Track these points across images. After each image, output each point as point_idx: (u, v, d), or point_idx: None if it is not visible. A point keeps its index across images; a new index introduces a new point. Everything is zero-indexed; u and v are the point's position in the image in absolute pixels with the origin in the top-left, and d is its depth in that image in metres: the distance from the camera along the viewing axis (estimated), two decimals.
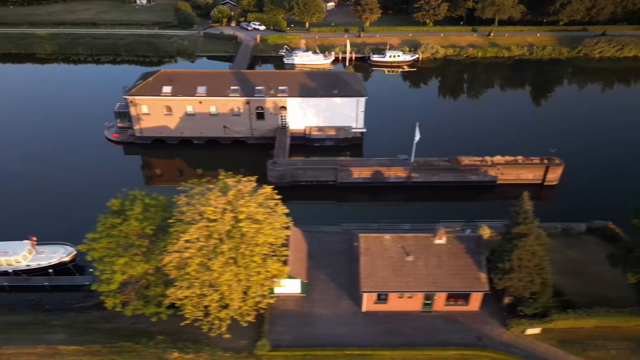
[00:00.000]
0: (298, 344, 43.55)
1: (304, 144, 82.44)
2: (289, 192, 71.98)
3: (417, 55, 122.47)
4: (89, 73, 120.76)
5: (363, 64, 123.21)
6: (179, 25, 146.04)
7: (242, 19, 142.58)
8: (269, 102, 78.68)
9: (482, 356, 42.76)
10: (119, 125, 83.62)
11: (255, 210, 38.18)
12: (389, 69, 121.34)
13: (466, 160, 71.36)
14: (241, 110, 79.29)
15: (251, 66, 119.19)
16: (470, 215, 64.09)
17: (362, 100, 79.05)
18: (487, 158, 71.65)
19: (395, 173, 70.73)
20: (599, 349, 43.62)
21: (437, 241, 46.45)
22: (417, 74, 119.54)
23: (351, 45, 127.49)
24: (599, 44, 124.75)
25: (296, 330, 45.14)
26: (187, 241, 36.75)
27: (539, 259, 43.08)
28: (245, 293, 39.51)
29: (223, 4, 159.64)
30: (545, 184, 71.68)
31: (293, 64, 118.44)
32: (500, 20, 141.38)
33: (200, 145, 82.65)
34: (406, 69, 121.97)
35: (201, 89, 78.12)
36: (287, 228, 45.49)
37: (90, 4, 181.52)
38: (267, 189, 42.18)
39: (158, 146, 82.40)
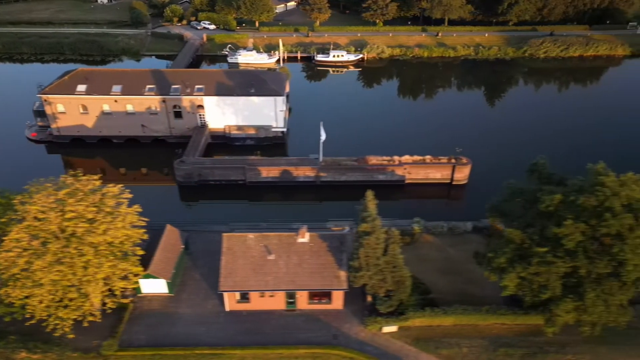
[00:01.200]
0: (152, 344, 43.45)
1: (225, 143, 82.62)
2: (198, 191, 73.26)
3: (361, 55, 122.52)
4: (30, 72, 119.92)
5: (309, 64, 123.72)
6: (132, 24, 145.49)
7: (193, 18, 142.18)
8: (186, 101, 78.48)
9: (332, 354, 42.83)
10: (39, 124, 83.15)
11: (84, 210, 37.95)
12: (333, 69, 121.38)
13: (374, 159, 71.51)
14: (158, 109, 79.03)
15: (195, 65, 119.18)
16: (379, 214, 64.66)
17: (280, 99, 79.06)
18: (396, 158, 71.86)
19: (304, 172, 70.76)
20: (452, 346, 43.84)
21: (300, 240, 46.50)
22: (360, 74, 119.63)
23: (299, 45, 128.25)
24: (544, 44, 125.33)
25: (154, 330, 44.99)
26: (15, 240, 36.55)
27: (391, 257, 43.23)
28: (84, 293, 39.34)
29: (180, 3, 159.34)
30: (454, 183, 72.02)
31: (237, 63, 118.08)
32: (453, 21, 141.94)
33: (120, 144, 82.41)
34: (352, 68, 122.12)
35: (116, 88, 77.82)
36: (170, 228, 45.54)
37: (50, 3, 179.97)
38: (114, 188, 42.00)
39: (77, 145, 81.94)
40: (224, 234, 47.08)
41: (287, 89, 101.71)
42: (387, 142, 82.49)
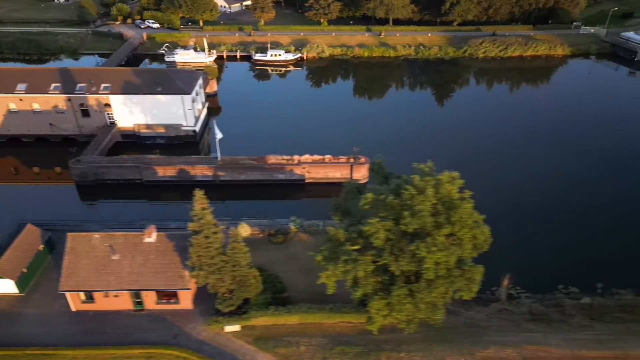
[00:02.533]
0: None
1: (136, 142, 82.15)
2: (95, 191, 72.63)
3: (299, 55, 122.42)
4: None
5: (248, 63, 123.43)
6: (80, 23, 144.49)
7: (138, 17, 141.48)
8: (92, 100, 77.86)
9: (166, 354, 42.50)
10: None
11: None
12: (272, 68, 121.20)
13: (273, 159, 71.36)
14: (64, 108, 78.41)
15: (131, 64, 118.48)
16: (278, 213, 64.29)
17: (188, 98, 78.62)
18: (295, 157, 71.70)
19: (202, 171, 70.42)
20: (291, 345, 43.66)
21: (147, 239, 46.16)
22: (298, 73, 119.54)
23: (241, 44, 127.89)
24: (483, 44, 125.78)
25: None
26: None
27: (230, 255, 43.01)
28: None
29: (132, 3, 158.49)
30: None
31: (174, 61, 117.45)
32: (401, 21, 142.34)
33: (30, 143, 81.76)
34: (292, 68, 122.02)
35: (21, 86, 77.09)
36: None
37: (5, 2, 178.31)
38: None
39: None
40: (68, 234, 46.49)
41: (215, 88, 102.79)
42: (307, 140, 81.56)
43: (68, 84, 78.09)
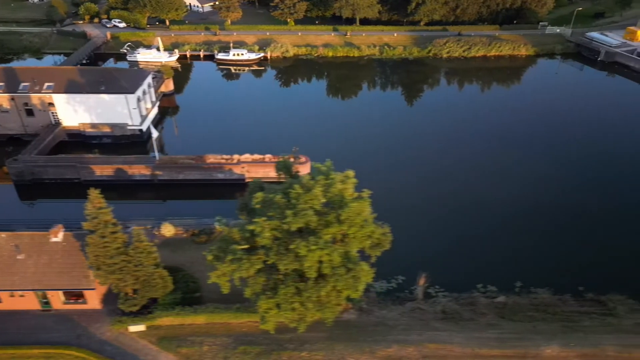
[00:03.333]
0: None
1: (82, 141, 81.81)
2: (34, 190, 72.24)
3: (262, 54, 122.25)
4: None
5: (212, 62, 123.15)
6: (49, 22, 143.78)
7: (105, 16, 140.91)
8: (35, 99, 77.45)
9: (65, 354, 42.26)
10: None
11: None
12: (235, 68, 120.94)
13: (212, 158, 71.19)
14: (8, 107, 77.98)
15: (93, 63, 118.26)
16: (217, 213, 63.74)
17: (132, 97, 78.28)
18: (235, 156, 71.56)
19: (139, 171, 70.15)
20: (194, 345, 43.54)
21: (53, 239, 45.92)
22: (260, 73, 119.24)
23: (206, 43, 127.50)
24: (447, 44, 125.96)
25: None
26: None
27: (133, 255, 42.81)
28: None
29: (102, 2, 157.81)
30: None
31: (136, 61, 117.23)
32: (369, 21, 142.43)
33: None
34: (255, 67, 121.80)
35: None
36: None
37: None
38: None
39: None
40: None
41: (171, 87, 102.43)
42: (259, 139, 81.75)
43: (12, 83, 77.62)
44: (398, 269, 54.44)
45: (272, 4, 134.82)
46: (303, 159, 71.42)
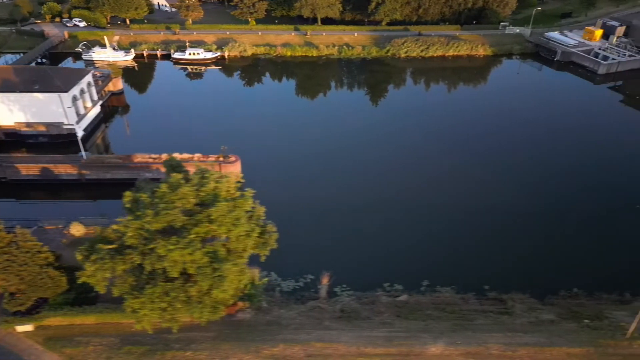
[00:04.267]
0: None
1: (18, 140, 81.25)
2: None
3: (218, 53, 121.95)
4: None
5: (169, 62, 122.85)
6: (13, 21, 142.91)
7: (67, 16, 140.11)
8: None
9: None
10: None
11: None
12: (192, 67, 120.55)
13: (139, 157, 70.94)
14: None
15: (50, 62, 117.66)
16: None
17: (66, 96, 77.82)
18: (163, 155, 71.09)
19: (66, 170, 69.89)
20: (80, 345, 43.30)
21: None
22: (215, 72, 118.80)
23: (164, 42, 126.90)
24: (405, 44, 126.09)
25: None
26: None
27: (16, 255, 42.52)
28: None
29: (66, 1, 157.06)
30: None
31: (91, 60, 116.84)
32: (333, 20, 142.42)
33: None
34: (213, 67, 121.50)
35: None
36: None
37: None
38: None
39: None
40: None
41: (120, 86, 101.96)
42: (201, 137, 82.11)
43: None
44: (308, 268, 54.62)
45: (231, 4, 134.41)
46: (232, 158, 71.34)
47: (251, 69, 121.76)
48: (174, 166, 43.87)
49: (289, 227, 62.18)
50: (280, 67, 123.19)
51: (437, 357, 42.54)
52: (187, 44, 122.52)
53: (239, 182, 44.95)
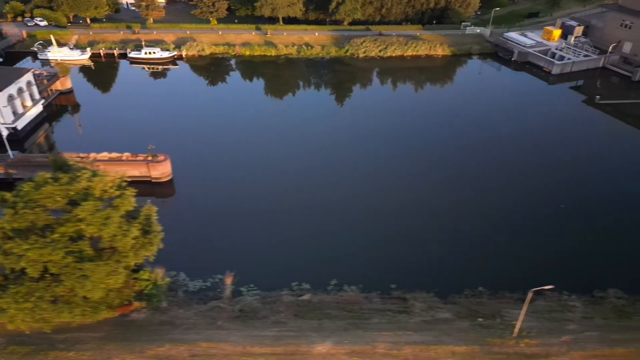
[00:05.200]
0: None
1: None
2: None
3: (175, 53, 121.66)
4: None
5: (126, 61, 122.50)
6: None
7: (29, 15, 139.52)
8: None
9: None
10: None
11: None
12: (148, 66, 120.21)
13: (66, 156, 70.30)
14: None
15: (6, 62, 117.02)
16: None
17: (0, 95, 77.61)
18: (92, 154, 71.09)
19: None
20: None
21: None
22: (171, 72, 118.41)
23: (124, 42, 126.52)
24: (364, 44, 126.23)
25: None
26: None
27: None
28: None
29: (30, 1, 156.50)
30: (154, 180, 71.66)
31: (47, 59, 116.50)
32: (297, 20, 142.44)
33: None
34: (170, 66, 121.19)
35: None
36: None
37: None
38: None
39: None
40: None
41: (69, 85, 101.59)
42: (149, 136, 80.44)
43: None
44: (218, 268, 54.31)
45: (191, 3, 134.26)
46: (161, 157, 71.11)
47: (207, 68, 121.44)
48: (60, 165, 43.75)
49: (207, 227, 63.14)
50: (238, 66, 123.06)
51: (322, 356, 42.54)
52: (143, 43, 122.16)
53: (124, 181, 44.40)
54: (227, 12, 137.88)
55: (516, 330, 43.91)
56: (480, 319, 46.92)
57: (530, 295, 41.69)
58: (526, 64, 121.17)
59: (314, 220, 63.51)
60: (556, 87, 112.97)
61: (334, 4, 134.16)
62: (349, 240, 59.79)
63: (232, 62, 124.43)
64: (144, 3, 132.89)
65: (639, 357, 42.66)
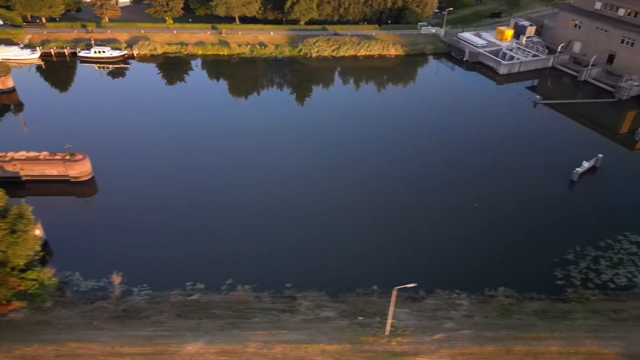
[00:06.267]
0: None
1: None
2: None
3: (125, 52, 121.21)
4: None
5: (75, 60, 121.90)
6: None
7: None
8: None
9: None
10: None
11: None
12: (98, 65, 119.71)
13: None
14: None
15: None
16: None
17: None
18: (10, 153, 70.72)
19: None
20: None
21: None
22: (120, 71, 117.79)
23: (77, 41, 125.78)
24: (316, 43, 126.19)
25: None
26: None
27: None
28: None
29: None
30: (72, 179, 71.30)
31: None
32: (256, 19, 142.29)
33: None
34: (122, 65, 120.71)
35: None
36: None
37: None
38: None
39: None
40: None
41: (10, 84, 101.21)
42: (90, 134, 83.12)
43: None
44: (116, 267, 53.95)
45: (144, 2, 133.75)
46: (79, 156, 70.80)
47: (158, 67, 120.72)
48: None
49: (118, 226, 62.90)
50: (190, 66, 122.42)
51: (190, 355, 42.50)
52: (93, 42, 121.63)
53: None
54: (183, 12, 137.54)
55: (387, 328, 44.02)
56: (360, 318, 47.05)
57: (394, 293, 41.81)
58: (477, 64, 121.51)
59: (217, 220, 63.62)
60: (503, 87, 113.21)
61: (289, 4, 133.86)
62: (247, 239, 59.72)
63: (184, 61, 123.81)
64: (98, 2, 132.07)
65: (507, 355, 42.89)
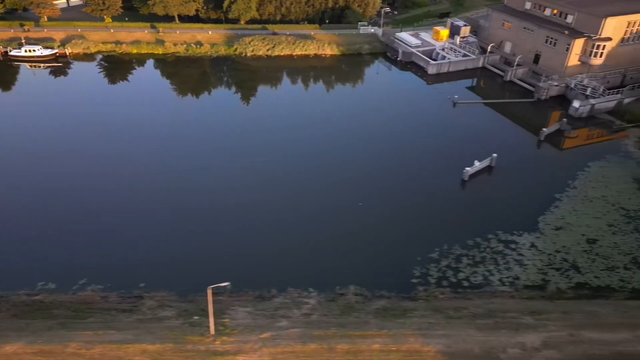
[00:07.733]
0: None
1: None
2: None
3: (57, 51, 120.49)
4: None
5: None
6: None
7: None
8: None
9: None
10: None
11: None
12: (30, 64, 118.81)
13: None
14: None
15: None
16: None
17: None
18: None
19: None
20: None
21: None
22: (50, 70, 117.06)
23: (13, 40, 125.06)
24: (252, 43, 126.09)
25: None
26: None
27: None
28: None
29: None
30: None
31: None
32: (197, 18, 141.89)
33: None
34: (55, 64, 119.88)
35: None
36: None
37: None
38: None
39: None
40: None
41: None
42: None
43: None
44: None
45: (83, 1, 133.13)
46: None
47: (91, 67, 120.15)
48: None
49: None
50: (122, 65, 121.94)
51: (7, 355, 42.25)
52: (23, 40, 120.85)
53: None
54: (122, 10, 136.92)
55: (211, 327, 44.00)
56: (196, 317, 47.03)
57: (209, 291, 41.80)
58: (409, 64, 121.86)
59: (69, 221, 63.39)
60: (431, 87, 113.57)
61: (226, 3, 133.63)
62: (101, 240, 59.57)
63: (117, 60, 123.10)
64: (34, 1, 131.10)
65: (328, 354, 42.99)
